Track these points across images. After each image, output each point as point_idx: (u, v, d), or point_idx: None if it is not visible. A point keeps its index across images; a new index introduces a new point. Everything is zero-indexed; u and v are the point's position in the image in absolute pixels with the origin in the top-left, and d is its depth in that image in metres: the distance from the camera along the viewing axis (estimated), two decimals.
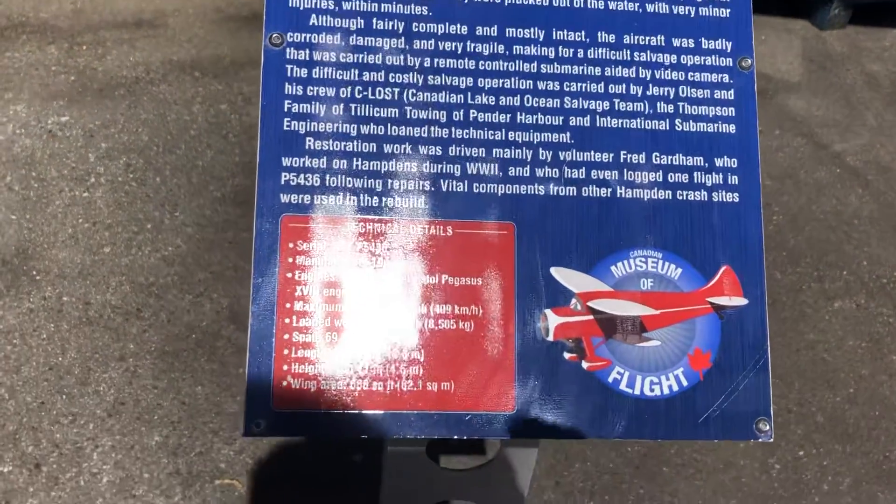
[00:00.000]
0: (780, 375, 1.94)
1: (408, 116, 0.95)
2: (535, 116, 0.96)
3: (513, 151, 0.95)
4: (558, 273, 0.94)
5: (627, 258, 0.95)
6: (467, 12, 0.97)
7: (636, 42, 0.99)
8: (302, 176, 0.92)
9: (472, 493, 1.22)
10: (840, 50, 2.62)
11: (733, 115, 0.99)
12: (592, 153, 0.97)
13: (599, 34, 0.99)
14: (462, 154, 0.95)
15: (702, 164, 0.98)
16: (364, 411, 0.90)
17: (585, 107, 0.97)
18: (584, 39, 0.98)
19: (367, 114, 0.94)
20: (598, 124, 0.97)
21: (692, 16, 1.01)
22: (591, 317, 0.93)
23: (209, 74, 2.28)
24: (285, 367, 0.89)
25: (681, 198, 0.97)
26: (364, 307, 0.91)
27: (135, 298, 1.95)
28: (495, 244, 0.94)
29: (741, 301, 0.96)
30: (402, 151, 0.94)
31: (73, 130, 2.18)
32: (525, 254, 0.94)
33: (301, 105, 0.94)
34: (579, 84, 0.98)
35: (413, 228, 0.93)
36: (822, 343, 2.03)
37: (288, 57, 0.94)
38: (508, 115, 0.96)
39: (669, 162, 0.97)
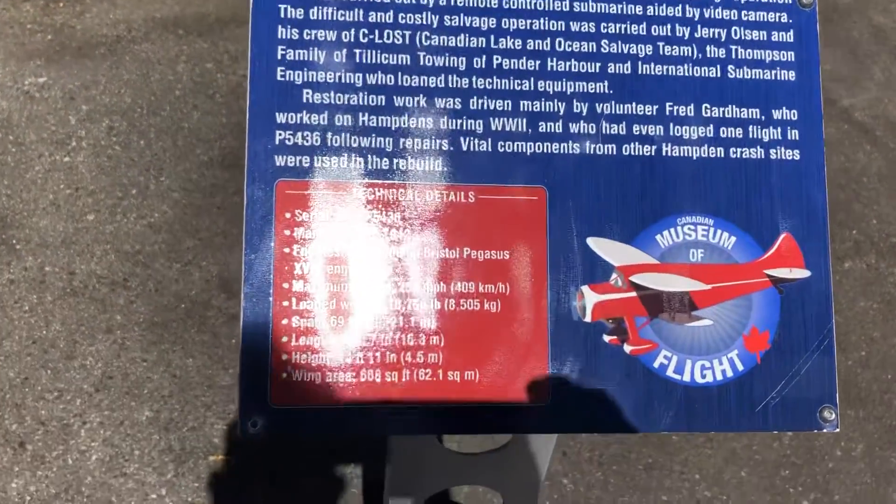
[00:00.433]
0: None
1: (421, 63, 0.78)
2: (567, 63, 0.80)
3: (543, 104, 0.79)
4: (596, 244, 0.79)
5: (674, 226, 0.80)
6: None
7: None
8: (299, 134, 0.76)
9: (484, 478, 1.08)
10: (846, 1, 2.45)
11: (793, 59, 0.83)
12: (634, 105, 0.81)
13: None
14: (484, 107, 0.79)
15: (758, 116, 0.82)
16: (376, 405, 0.75)
17: (625, 51, 0.81)
18: None
19: (374, 61, 0.78)
20: (640, 71, 0.81)
21: None
22: (633, 293, 0.78)
23: (193, 32, 2.10)
24: (284, 357, 0.74)
25: (734, 156, 0.81)
26: (374, 286, 0.76)
27: (121, 267, 1.79)
28: (524, 212, 0.78)
29: (803, 273, 0.81)
30: (416, 105, 0.78)
31: (52, 92, 2.00)
32: (558, 222, 0.78)
33: (297, 51, 0.77)
34: (618, 25, 0.81)
35: (429, 195, 0.77)
36: None
37: None
38: (537, 62, 0.80)
39: (721, 115, 0.82)
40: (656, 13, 0.82)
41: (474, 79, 0.79)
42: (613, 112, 0.80)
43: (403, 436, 0.90)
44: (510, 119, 0.79)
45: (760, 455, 1.68)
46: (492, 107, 0.79)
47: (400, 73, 0.78)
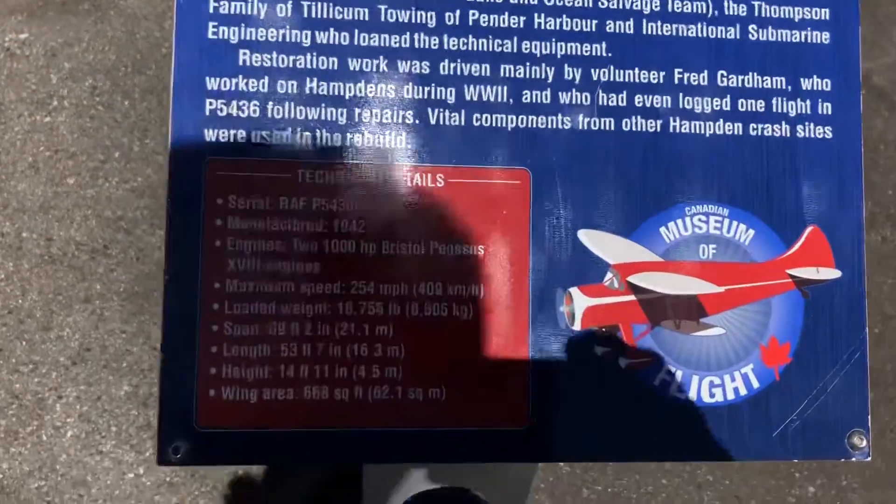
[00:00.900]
0: None
1: (382, 19, 0.63)
2: (558, 20, 0.64)
3: (527, 69, 0.64)
4: (588, 238, 0.64)
5: (682, 217, 0.65)
6: None
7: None
8: (234, 104, 0.61)
9: (468, 480, 0.95)
10: None
11: (827, 18, 0.67)
12: (637, 72, 0.65)
13: None
14: (457, 72, 0.63)
15: (783, 86, 0.66)
16: (322, 429, 0.61)
17: (627, 6, 0.65)
18: None
19: (325, 16, 0.62)
20: (644, 31, 0.65)
21: None
22: (631, 297, 0.63)
23: None
24: (213, 371, 0.60)
25: (754, 133, 0.66)
26: (322, 287, 0.61)
27: (101, 234, 1.64)
28: (503, 198, 0.63)
29: (832, 273, 0.66)
30: (375, 69, 0.63)
31: (34, 49, 1.84)
32: (543, 212, 0.63)
33: (233, 3, 0.62)
34: None
35: (389, 177, 0.62)
36: None
37: None
38: (522, 18, 0.64)
39: (740, 84, 0.66)
40: None
41: (445, 38, 0.63)
42: (612, 79, 0.65)
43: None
44: (488, 87, 0.63)
45: None
46: (466, 72, 0.63)
47: (356, 31, 0.62)
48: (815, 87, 0.66)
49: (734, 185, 0.65)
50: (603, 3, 0.65)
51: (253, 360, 0.60)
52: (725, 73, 0.66)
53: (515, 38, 0.64)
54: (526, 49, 0.64)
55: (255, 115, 0.61)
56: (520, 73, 0.64)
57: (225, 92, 0.61)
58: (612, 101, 0.64)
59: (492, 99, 0.63)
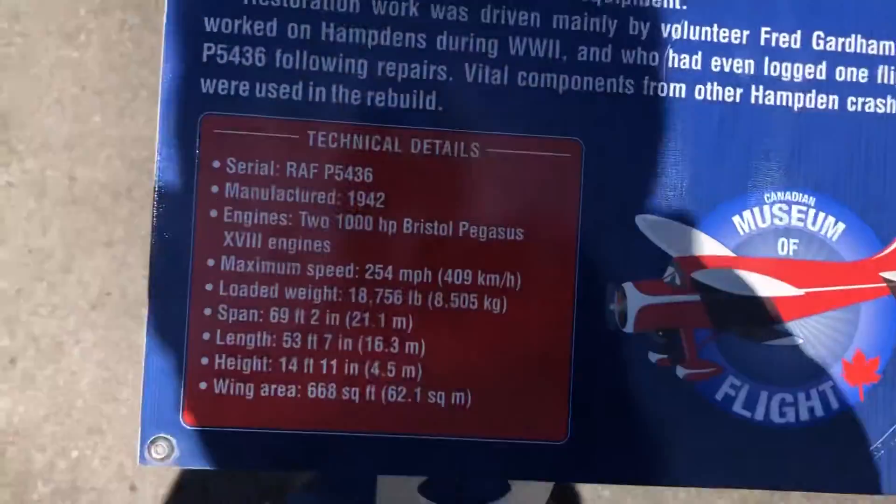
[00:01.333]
0: None
1: None
2: None
3: (585, 21, 0.53)
4: (648, 224, 0.53)
5: (760, 204, 0.54)
6: None
7: None
8: (237, 50, 0.51)
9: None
10: None
11: None
12: (715, 29, 0.53)
13: None
14: (501, 21, 0.52)
15: (892, 53, 0.55)
16: (326, 433, 0.52)
17: None
18: None
19: None
20: None
21: None
22: (696, 296, 0.53)
23: None
24: (204, 361, 0.51)
25: (852, 109, 0.54)
26: (333, 270, 0.51)
27: (125, 175, 1.56)
28: (548, 174, 0.53)
29: None
30: (404, 12, 0.52)
31: None
32: (595, 191, 0.53)
33: None
34: None
35: (415, 144, 0.52)
36: None
37: None
38: None
39: (839, 48, 0.54)
40: None
41: None
42: (685, 37, 0.53)
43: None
44: (537, 40, 0.52)
45: None
46: (512, 21, 0.52)
47: None
48: None
49: (824, 169, 0.54)
50: None
51: (251, 350, 0.51)
52: (822, 35, 0.54)
53: None
54: None
55: (260, 63, 0.51)
56: (576, 25, 0.53)
57: (226, 35, 0.51)
58: (683, 63, 0.53)
59: (541, 54, 0.52)
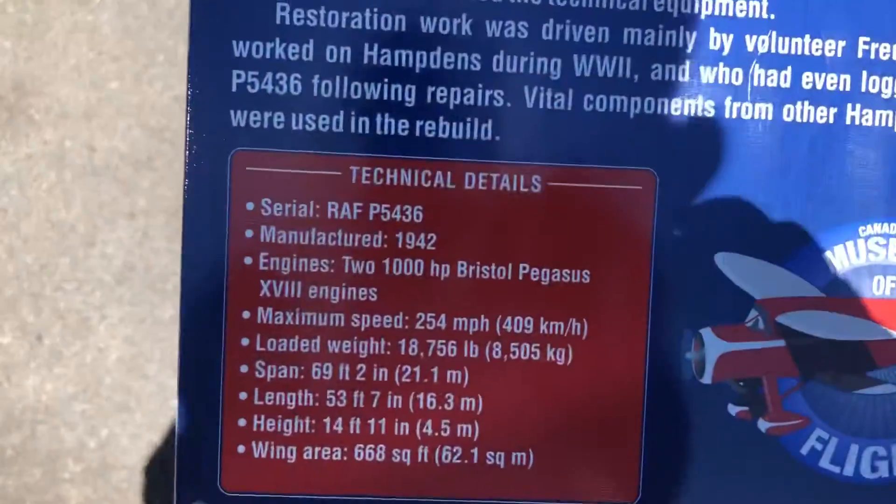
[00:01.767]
0: None
1: None
2: None
3: (659, 35, 0.46)
4: (728, 263, 0.47)
5: (854, 238, 0.47)
6: None
7: None
8: (269, 76, 0.45)
9: None
10: None
11: None
12: (806, 40, 0.47)
13: None
14: (565, 38, 0.46)
15: None
16: (374, 497, 0.47)
17: None
18: None
19: None
20: None
21: None
22: (781, 342, 0.47)
23: None
24: (242, 422, 0.46)
25: None
26: (381, 320, 0.46)
27: (146, 145, 1.50)
28: (618, 209, 0.47)
29: None
30: (455, 31, 0.46)
31: None
32: (670, 227, 0.47)
33: None
34: None
35: (471, 179, 0.46)
36: None
37: None
38: None
39: None
40: None
41: None
42: (772, 50, 0.47)
43: None
44: (605, 58, 0.46)
45: None
46: (577, 37, 0.46)
47: None
48: None
49: None
50: None
51: (292, 409, 0.46)
52: None
53: None
54: (659, 7, 0.46)
55: (296, 92, 0.45)
56: (649, 40, 0.46)
57: (257, 60, 0.45)
58: (771, 80, 0.47)
59: (609, 74, 0.46)
